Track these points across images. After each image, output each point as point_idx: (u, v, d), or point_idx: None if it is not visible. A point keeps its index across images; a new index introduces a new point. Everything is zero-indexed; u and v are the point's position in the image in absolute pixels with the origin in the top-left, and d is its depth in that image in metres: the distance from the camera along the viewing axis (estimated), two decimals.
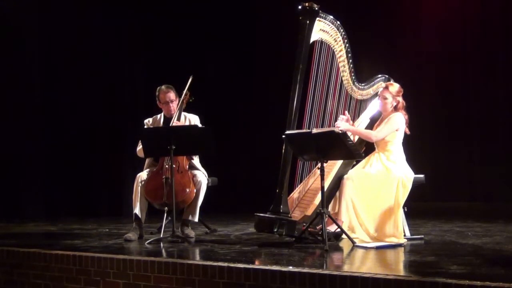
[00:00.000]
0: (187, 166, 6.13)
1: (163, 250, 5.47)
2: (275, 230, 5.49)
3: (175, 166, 5.85)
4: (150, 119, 6.40)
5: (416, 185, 5.71)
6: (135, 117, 6.70)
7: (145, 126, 6.37)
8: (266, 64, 9.48)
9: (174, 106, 6.25)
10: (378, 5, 8.99)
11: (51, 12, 8.93)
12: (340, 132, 5.25)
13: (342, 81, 5.90)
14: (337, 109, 5.84)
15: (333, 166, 5.78)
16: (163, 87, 6.29)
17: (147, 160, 6.28)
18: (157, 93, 6.29)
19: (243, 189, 9.42)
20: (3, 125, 8.72)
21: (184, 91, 6.20)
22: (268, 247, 5.41)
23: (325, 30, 5.80)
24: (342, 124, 5.74)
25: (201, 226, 6.60)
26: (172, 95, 6.24)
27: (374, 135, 5.77)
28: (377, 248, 5.22)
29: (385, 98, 5.79)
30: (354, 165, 5.84)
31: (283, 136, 5.47)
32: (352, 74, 5.93)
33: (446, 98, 8.91)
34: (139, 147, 6.16)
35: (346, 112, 5.90)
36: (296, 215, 5.66)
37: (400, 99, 5.79)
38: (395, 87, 5.81)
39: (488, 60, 8.77)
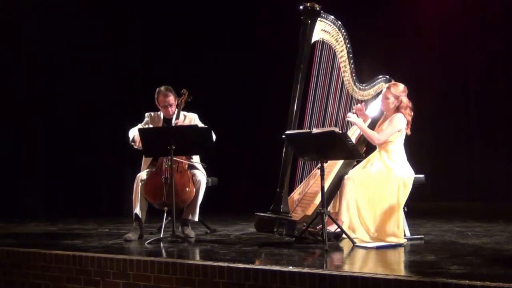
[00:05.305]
0: (186, 166, 6.14)
1: (163, 250, 5.47)
2: (275, 230, 5.49)
3: (174, 166, 5.85)
4: (152, 113, 6.39)
5: (416, 185, 5.71)
6: (135, 117, 6.69)
7: (146, 119, 6.36)
8: (266, 64, 9.48)
9: (173, 109, 6.24)
10: (378, 5, 9.00)
11: (51, 12, 8.93)
12: (340, 132, 5.25)
13: (343, 81, 5.89)
14: (337, 109, 5.84)
15: (334, 166, 5.78)
16: (162, 89, 6.24)
17: (144, 160, 6.27)
18: (156, 95, 6.26)
19: (243, 189, 9.42)
20: (3, 125, 8.72)
21: (180, 99, 6.21)
22: (268, 247, 5.41)
23: (326, 31, 5.81)
24: (353, 117, 5.79)
25: (201, 226, 6.60)
26: (171, 99, 6.20)
27: (377, 137, 5.77)
28: (377, 248, 5.22)
29: (388, 98, 5.79)
30: (354, 165, 5.84)
31: (283, 136, 5.47)
32: (353, 74, 5.93)
33: (446, 98, 8.92)
34: (132, 133, 6.14)
35: (359, 105, 5.93)
36: (296, 215, 5.66)
37: (403, 99, 5.78)
38: (398, 87, 5.80)
39: (488, 59, 8.77)
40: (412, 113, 5.82)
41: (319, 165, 5.35)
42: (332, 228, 5.52)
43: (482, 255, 4.85)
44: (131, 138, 6.12)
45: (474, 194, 8.75)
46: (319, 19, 5.74)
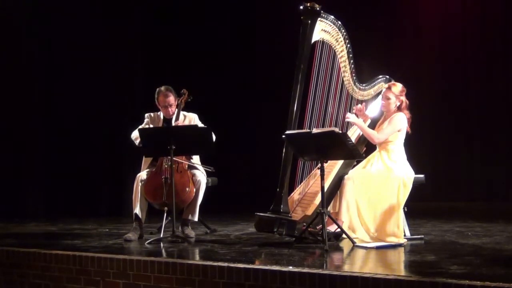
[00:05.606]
0: (186, 166, 6.13)
1: (163, 250, 5.48)
2: (275, 229, 5.49)
3: (174, 166, 5.85)
4: (152, 114, 6.38)
5: (416, 185, 5.71)
6: (135, 117, 6.70)
7: (146, 119, 6.36)
8: (266, 64, 9.48)
9: (173, 109, 6.23)
10: (378, 5, 9.00)
11: (51, 12, 8.93)
12: (340, 132, 5.26)
13: (343, 81, 5.89)
14: (337, 109, 5.84)
15: (334, 166, 5.78)
16: (162, 89, 6.23)
17: (144, 160, 6.27)
18: (156, 95, 6.26)
19: (243, 189, 9.42)
20: (3, 125, 8.72)
21: (180, 99, 6.21)
22: (268, 247, 5.41)
23: (326, 31, 5.81)
24: (352, 117, 5.79)
25: (201, 226, 6.60)
26: (171, 99, 6.20)
27: (376, 137, 5.77)
28: (377, 248, 5.22)
29: (388, 99, 5.79)
30: (354, 165, 5.84)
31: (283, 136, 5.47)
32: (353, 74, 5.92)
33: (446, 98, 8.92)
34: (136, 135, 6.11)
35: (360, 105, 5.93)
36: (296, 215, 5.66)
37: (403, 98, 5.80)
38: (398, 87, 5.81)
39: (488, 59, 8.78)
40: (409, 114, 5.82)
41: (319, 165, 5.36)
42: (332, 228, 5.52)
43: (482, 255, 4.85)
44: (138, 141, 6.09)
45: (474, 194, 8.75)
46: (319, 19, 5.74)
